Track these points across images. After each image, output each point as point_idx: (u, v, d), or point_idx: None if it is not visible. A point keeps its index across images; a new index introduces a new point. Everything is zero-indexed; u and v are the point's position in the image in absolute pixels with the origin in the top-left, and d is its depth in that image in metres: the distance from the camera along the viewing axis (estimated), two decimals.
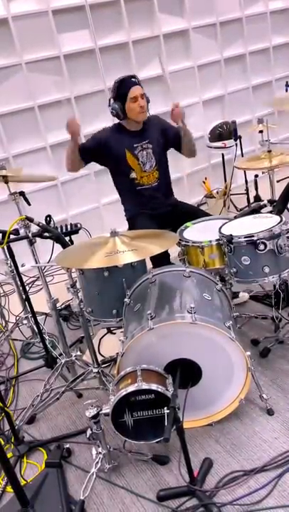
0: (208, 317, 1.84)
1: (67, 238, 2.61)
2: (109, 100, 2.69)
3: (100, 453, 1.85)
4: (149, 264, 2.38)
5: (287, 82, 4.57)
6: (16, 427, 2.11)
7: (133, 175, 2.77)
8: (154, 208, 2.80)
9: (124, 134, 2.75)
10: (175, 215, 2.76)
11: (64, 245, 2.23)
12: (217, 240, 2.23)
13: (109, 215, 4.23)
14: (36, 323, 2.64)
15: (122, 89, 2.62)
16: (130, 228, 2.91)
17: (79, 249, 2.15)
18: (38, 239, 2.31)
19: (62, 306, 3.06)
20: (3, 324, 3.12)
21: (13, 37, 3.64)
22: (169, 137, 2.83)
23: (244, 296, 2.87)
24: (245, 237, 2.06)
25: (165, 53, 4.29)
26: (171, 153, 2.94)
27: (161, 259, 2.47)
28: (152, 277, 2.13)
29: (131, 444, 1.86)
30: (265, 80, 5.02)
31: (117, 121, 2.79)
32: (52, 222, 2.53)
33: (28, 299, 2.60)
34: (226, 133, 4.32)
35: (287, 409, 2.02)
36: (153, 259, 2.54)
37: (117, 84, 2.63)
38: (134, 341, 1.83)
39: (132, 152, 2.73)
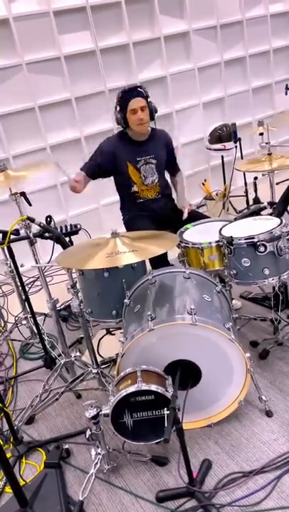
0: (208, 318, 1.84)
1: (66, 239, 2.61)
2: (115, 107, 2.69)
3: (99, 454, 1.85)
4: (148, 266, 2.38)
5: (287, 84, 4.57)
6: (15, 427, 2.11)
7: (134, 188, 2.78)
8: (153, 211, 2.82)
9: (128, 144, 2.75)
10: (174, 219, 2.75)
11: (64, 246, 2.23)
12: (217, 241, 2.24)
13: (108, 216, 4.24)
14: (35, 323, 2.64)
15: (124, 99, 2.62)
16: (128, 230, 2.91)
17: (80, 249, 2.15)
18: (37, 239, 2.31)
19: (62, 306, 3.06)
20: (2, 324, 3.11)
21: (14, 37, 3.65)
22: (168, 157, 2.87)
23: (236, 304, 2.85)
24: (245, 239, 2.06)
25: (166, 55, 4.31)
26: None
27: (160, 261, 2.47)
28: (152, 278, 2.13)
29: (130, 445, 1.87)
30: (265, 83, 5.05)
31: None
32: (52, 223, 2.53)
33: (27, 300, 2.60)
34: (225, 135, 4.33)
35: (286, 411, 2.02)
36: (151, 260, 2.55)
37: (121, 94, 2.64)
38: (134, 342, 1.83)
39: (134, 165, 2.73)
